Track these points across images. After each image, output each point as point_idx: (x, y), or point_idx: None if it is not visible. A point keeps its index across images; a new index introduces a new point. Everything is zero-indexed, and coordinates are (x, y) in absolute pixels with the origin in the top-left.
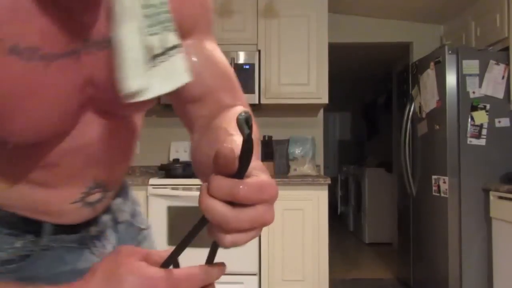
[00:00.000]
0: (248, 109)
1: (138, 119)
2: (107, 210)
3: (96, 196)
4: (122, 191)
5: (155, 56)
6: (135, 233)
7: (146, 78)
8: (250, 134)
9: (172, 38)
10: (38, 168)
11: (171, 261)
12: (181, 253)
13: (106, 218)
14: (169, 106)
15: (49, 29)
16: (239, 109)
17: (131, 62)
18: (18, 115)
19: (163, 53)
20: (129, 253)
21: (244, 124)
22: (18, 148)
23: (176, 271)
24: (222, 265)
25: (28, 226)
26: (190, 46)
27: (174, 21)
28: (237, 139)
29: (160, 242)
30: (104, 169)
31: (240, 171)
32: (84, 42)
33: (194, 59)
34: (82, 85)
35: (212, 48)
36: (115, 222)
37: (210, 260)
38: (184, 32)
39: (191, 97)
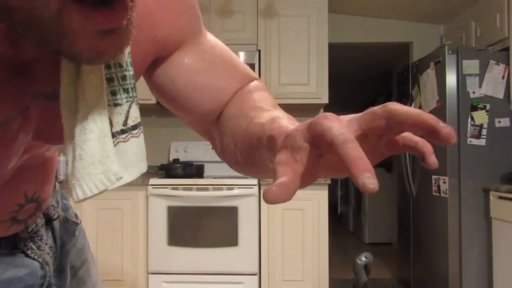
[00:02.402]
0: (259, 79)
1: None
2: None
3: (28, 212)
4: None
5: (113, 134)
6: (71, 227)
7: (101, 171)
8: (367, 284)
9: (135, 114)
10: None
11: None
12: None
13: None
14: None
15: None
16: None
17: (87, 166)
18: None
19: (123, 132)
20: None
21: (363, 270)
22: None
23: None
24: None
25: None
26: (192, 54)
27: (170, 34)
28: (277, 113)
29: (160, 242)
30: (35, 184)
31: None
32: (33, 97)
33: (200, 70)
34: (28, 141)
35: (210, 45)
36: (48, 219)
37: None
38: (181, 41)
39: (208, 111)
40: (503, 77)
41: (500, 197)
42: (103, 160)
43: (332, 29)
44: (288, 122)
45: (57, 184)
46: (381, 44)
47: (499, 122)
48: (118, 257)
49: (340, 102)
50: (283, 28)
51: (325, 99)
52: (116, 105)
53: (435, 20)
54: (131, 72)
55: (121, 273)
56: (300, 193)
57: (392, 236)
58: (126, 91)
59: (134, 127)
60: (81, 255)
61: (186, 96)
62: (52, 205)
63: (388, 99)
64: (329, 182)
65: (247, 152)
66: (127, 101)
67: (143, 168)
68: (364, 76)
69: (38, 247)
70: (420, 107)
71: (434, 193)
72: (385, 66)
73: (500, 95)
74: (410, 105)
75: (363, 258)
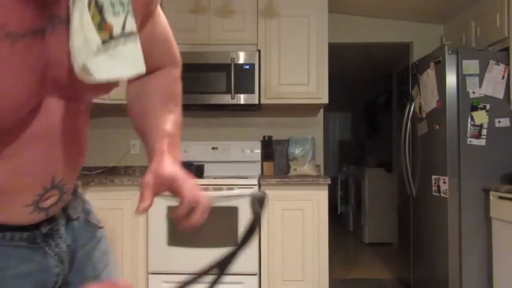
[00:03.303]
0: (179, 65)
1: (89, 114)
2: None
3: (51, 200)
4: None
5: (113, 38)
6: (92, 230)
7: (103, 60)
8: (259, 215)
9: (131, 23)
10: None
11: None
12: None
13: (58, 215)
14: None
15: (15, 7)
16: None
17: (84, 42)
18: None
19: (121, 36)
20: None
21: (257, 202)
22: None
23: None
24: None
25: None
26: (151, 23)
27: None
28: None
29: (160, 242)
30: (61, 166)
31: (243, 243)
32: (49, 20)
33: (154, 42)
34: (45, 65)
35: (159, 22)
36: (68, 219)
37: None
38: (144, 17)
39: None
40: (503, 77)
41: (500, 197)
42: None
43: (332, 29)
44: (167, 148)
45: (79, 189)
46: (381, 44)
47: (499, 122)
48: (118, 257)
49: (340, 102)
50: (283, 28)
51: (325, 99)
52: (115, 14)
53: (435, 20)
54: None
55: (121, 273)
56: (300, 193)
57: (392, 236)
58: (121, 4)
59: (130, 34)
60: (104, 258)
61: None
62: (74, 207)
63: (388, 99)
64: (329, 182)
65: (139, 122)
66: (123, 12)
67: (141, 68)
68: (364, 76)
69: (57, 245)
70: (420, 107)
71: (434, 193)
72: (385, 66)
73: (500, 95)
74: (410, 105)
75: (259, 192)
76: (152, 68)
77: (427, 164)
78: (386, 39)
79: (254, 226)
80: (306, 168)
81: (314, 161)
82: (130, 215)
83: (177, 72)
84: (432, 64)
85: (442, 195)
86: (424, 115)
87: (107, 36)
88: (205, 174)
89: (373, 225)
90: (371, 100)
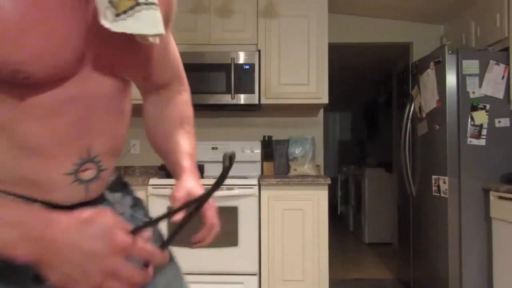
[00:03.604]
0: (188, 89)
1: (129, 103)
2: (104, 200)
3: (89, 173)
4: (122, 188)
5: (138, 4)
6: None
7: (128, 18)
8: (228, 168)
9: None
10: (36, 122)
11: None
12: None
13: (103, 207)
14: None
15: None
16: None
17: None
18: (30, 38)
19: (145, 4)
20: (112, 215)
21: (228, 159)
22: (27, 89)
23: (135, 237)
24: (168, 257)
25: None
26: (169, 34)
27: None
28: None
29: None
30: (98, 140)
31: (210, 192)
32: None
33: (163, 54)
34: (87, 26)
35: (170, 41)
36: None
37: (168, 241)
38: (169, 21)
39: (154, 84)
40: (503, 77)
41: (500, 197)
42: None
43: (332, 29)
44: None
45: (131, 187)
46: (381, 44)
47: (499, 122)
48: None
49: (340, 102)
50: (283, 28)
51: (325, 99)
52: None
53: (435, 20)
54: None
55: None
56: (300, 193)
57: (392, 236)
58: None
59: (152, 3)
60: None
61: (153, 65)
62: (121, 203)
63: (388, 99)
64: (329, 182)
65: (162, 143)
66: None
67: (161, 29)
68: (364, 76)
69: None
70: (420, 107)
71: (434, 193)
72: (385, 66)
73: (500, 95)
74: (410, 105)
75: (230, 151)
76: (162, 81)
77: (427, 164)
78: (386, 39)
79: (223, 176)
80: (306, 168)
81: (314, 161)
82: None
83: (187, 95)
84: (432, 64)
85: (442, 195)
86: (424, 115)
87: (134, 3)
88: (205, 174)
89: (373, 225)
90: (371, 100)
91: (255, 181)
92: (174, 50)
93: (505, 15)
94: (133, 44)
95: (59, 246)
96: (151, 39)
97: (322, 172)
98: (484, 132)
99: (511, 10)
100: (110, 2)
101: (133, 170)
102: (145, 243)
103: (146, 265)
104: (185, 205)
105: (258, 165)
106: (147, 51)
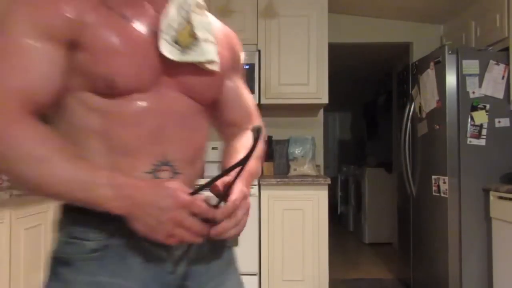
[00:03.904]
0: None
1: (206, 123)
2: None
3: (165, 174)
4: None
5: (197, 40)
6: (216, 247)
7: (191, 50)
8: (257, 138)
9: (212, 38)
10: (124, 128)
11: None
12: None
13: None
14: None
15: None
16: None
17: (170, 29)
18: (123, 59)
19: (204, 40)
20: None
21: (255, 131)
22: (117, 100)
23: (195, 196)
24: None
25: (110, 218)
26: (232, 83)
27: (231, 61)
28: (240, 156)
29: None
30: (172, 148)
31: (244, 160)
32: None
33: (234, 95)
34: (161, 56)
35: (243, 86)
36: None
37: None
38: (232, 70)
39: (226, 121)
40: (503, 77)
41: (500, 197)
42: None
43: (332, 29)
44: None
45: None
46: (381, 44)
47: (499, 122)
48: None
49: (340, 102)
50: (283, 28)
51: (325, 99)
52: (201, 30)
53: (435, 20)
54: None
55: None
56: (300, 193)
57: (392, 236)
58: (207, 30)
59: (208, 40)
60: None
61: (225, 104)
62: None
63: (388, 99)
64: (329, 182)
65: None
66: (208, 32)
67: (213, 57)
68: (364, 76)
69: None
70: (420, 107)
71: (434, 193)
72: (385, 66)
73: (500, 95)
74: (410, 105)
75: (256, 126)
76: (233, 119)
77: (427, 164)
78: (386, 39)
79: (255, 145)
80: (306, 168)
81: (314, 161)
82: None
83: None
84: (432, 64)
85: (442, 195)
86: (424, 115)
87: (194, 40)
88: (205, 174)
89: (373, 225)
90: (371, 100)
91: (255, 181)
92: (247, 94)
93: (505, 15)
94: (197, 71)
95: (142, 203)
96: (208, 66)
97: (322, 172)
98: (484, 132)
99: (511, 10)
100: (176, 42)
101: None
102: (201, 202)
103: (205, 221)
104: (229, 169)
105: None
106: (211, 79)
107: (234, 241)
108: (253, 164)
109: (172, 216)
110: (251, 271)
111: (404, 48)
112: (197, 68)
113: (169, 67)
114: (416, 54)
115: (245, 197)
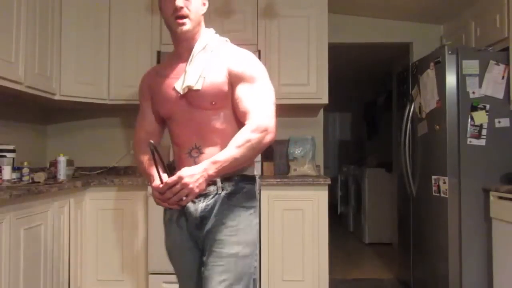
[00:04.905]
0: (262, 123)
1: (221, 123)
2: (213, 183)
3: (195, 153)
4: (239, 188)
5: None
6: (230, 203)
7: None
8: (153, 151)
9: (196, 70)
10: (175, 134)
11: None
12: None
13: (211, 188)
14: None
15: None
16: (245, 128)
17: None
18: (161, 103)
19: (190, 72)
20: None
21: (152, 147)
22: (170, 124)
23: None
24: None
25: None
26: (238, 89)
27: (235, 72)
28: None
29: (160, 242)
30: (198, 138)
31: (154, 160)
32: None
33: (237, 98)
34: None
35: (249, 90)
36: (217, 193)
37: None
38: (241, 79)
39: (237, 117)
40: (503, 77)
41: (500, 197)
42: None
43: (332, 29)
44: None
45: (242, 183)
46: (381, 44)
47: (499, 122)
48: (118, 257)
49: (340, 102)
50: (283, 28)
51: (325, 99)
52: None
53: (435, 20)
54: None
55: (121, 273)
56: (300, 193)
57: (392, 236)
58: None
59: (193, 71)
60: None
61: (234, 105)
62: (223, 187)
63: (388, 99)
64: (329, 182)
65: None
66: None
67: (190, 83)
68: (364, 76)
69: (193, 202)
70: (420, 107)
71: (434, 193)
72: (385, 66)
73: (500, 95)
74: (410, 106)
75: (151, 141)
76: (237, 115)
77: (427, 164)
78: (386, 39)
79: (153, 155)
80: (306, 168)
81: (314, 161)
82: (130, 215)
83: (253, 124)
84: (432, 64)
85: (442, 195)
86: (424, 115)
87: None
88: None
89: (373, 225)
90: (371, 100)
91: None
92: (250, 96)
93: (505, 15)
94: (190, 92)
95: (186, 174)
96: (193, 87)
97: (322, 172)
98: (484, 132)
99: (511, 10)
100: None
101: (133, 170)
102: (157, 184)
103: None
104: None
105: (258, 165)
106: (198, 94)
107: None
108: (223, 153)
109: (196, 180)
110: None
111: (404, 48)
112: (190, 90)
113: (181, 95)
114: (416, 54)
115: (179, 178)
